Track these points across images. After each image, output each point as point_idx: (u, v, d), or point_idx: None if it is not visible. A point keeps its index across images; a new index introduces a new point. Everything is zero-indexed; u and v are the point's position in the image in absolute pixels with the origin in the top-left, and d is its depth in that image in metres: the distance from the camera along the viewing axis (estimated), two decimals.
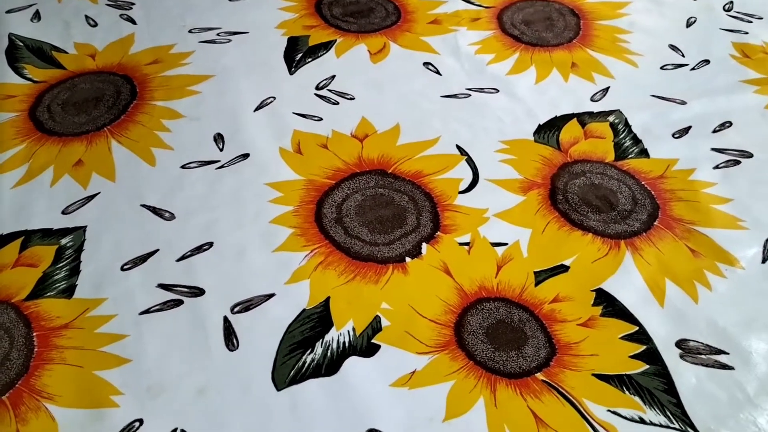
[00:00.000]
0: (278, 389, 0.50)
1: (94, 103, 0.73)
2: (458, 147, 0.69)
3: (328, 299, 0.55)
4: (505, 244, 0.60)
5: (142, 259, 0.57)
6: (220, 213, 0.62)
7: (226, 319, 0.54)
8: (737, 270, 0.58)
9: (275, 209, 0.62)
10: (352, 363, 0.51)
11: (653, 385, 0.51)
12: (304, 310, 0.54)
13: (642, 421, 0.49)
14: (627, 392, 0.50)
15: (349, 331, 0.53)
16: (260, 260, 0.58)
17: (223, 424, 0.48)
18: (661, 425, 0.48)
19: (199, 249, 0.59)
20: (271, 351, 0.52)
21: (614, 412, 0.49)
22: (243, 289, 0.56)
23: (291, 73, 0.78)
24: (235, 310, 0.54)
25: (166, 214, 0.62)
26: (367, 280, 0.57)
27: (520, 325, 0.54)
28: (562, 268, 0.58)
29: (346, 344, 0.52)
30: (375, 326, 0.54)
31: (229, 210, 0.62)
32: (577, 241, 0.60)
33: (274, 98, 0.74)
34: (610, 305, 0.55)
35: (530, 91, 0.76)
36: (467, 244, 0.60)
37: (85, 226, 0.60)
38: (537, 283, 0.57)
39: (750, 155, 0.69)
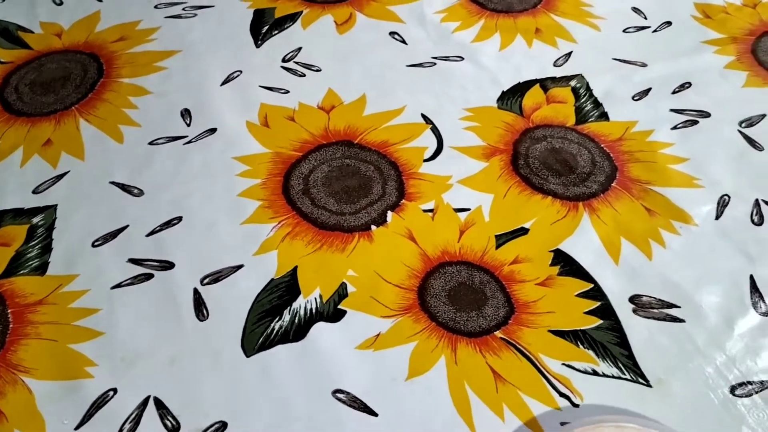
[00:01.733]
0: (247, 356, 0.51)
1: (62, 82, 0.74)
2: (423, 116, 0.70)
3: (295, 269, 0.57)
4: (468, 209, 0.62)
5: (113, 235, 0.59)
6: (188, 188, 0.63)
7: (196, 291, 0.55)
8: (691, 227, 0.60)
9: (243, 182, 0.63)
10: (319, 328, 0.53)
11: (606, 338, 0.53)
12: (272, 279, 0.56)
13: (595, 373, 0.51)
14: (581, 346, 0.52)
15: (316, 299, 0.55)
16: (229, 233, 0.59)
17: (195, 390, 0.50)
18: (613, 376, 0.51)
19: (168, 224, 0.60)
20: (240, 320, 0.54)
21: (569, 366, 0.51)
22: (212, 262, 0.57)
23: (257, 46, 0.78)
24: (205, 281, 0.56)
25: (135, 191, 0.63)
26: (334, 248, 0.58)
27: (481, 287, 0.56)
28: (522, 231, 0.60)
29: (313, 311, 0.54)
30: (341, 293, 0.55)
31: (197, 184, 0.63)
32: (537, 205, 0.62)
33: (241, 72, 0.74)
34: (567, 265, 0.58)
35: (495, 58, 0.77)
36: (431, 210, 0.62)
37: (56, 205, 0.61)
38: (498, 246, 0.59)
39: (708, 115, 0.70)
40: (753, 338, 0.53)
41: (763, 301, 0.55)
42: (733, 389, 0.50)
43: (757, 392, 0.50)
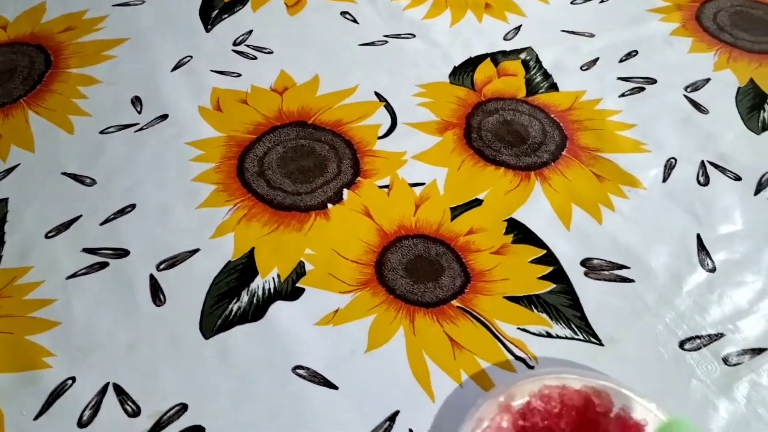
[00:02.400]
0: (206, 338, 0.52)
1: (8, 75, 0.72)
2: (377, 94, 0.71)
3: (252, 250, 0.57)
4: (423, 183, 0.62)
5: (66, 225, 0.58)
6: (141, 175, 0.63)
7: (152, 277, 0.55)
8: (639, 191, 0.62)
9: (197, 167, 0.63)
10: (278, 307, 0.54)
11: (559, 302, 0.54)
12: (229, 262, 0.56)
13: (549, 335, 0.52)
14: (535, 310, 0.54)
15: (273, 278, 0.55)
16: (184, 218, 0.59)
17: (154, 375, 0.50)
18: (566, 337, 0.52)
19: (122, 212, 0.59)
20: (197, 303, 0.54)
21: (523, 329, 0.52)
22: (168, 247, 0.57)
23: (207, 30, 0.78)
24: (161, 267, 0.56)
25: (88, 180, 0.62)
26: (291, 228, 0.59)
27: (437, 258, 0.57)
28: (476, 202, 0.61)
29: (271, 290, 0.54)
30: (299, 271, 0.56)
31: (150, 171, 0.63)
32: (491, 176, 0.63)
33: (191, 57, 0.74)
34: (520, 233, 0.59)
35: (446, 34, 0.78)
36: (387, 186, 0.62)
37: (7, 198, 0.60)
38: (453, 218, 0.60)
39: (654, 81, 0.72)
40: (701, 294, 0.55)
41: (710, 258, 0.57)
42: (682, 344, 0.52)
43: (705, 345, 0.52)
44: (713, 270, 0.56)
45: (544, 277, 0.56)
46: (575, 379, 0.33)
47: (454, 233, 0.59)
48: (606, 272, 0.56)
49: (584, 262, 0.57)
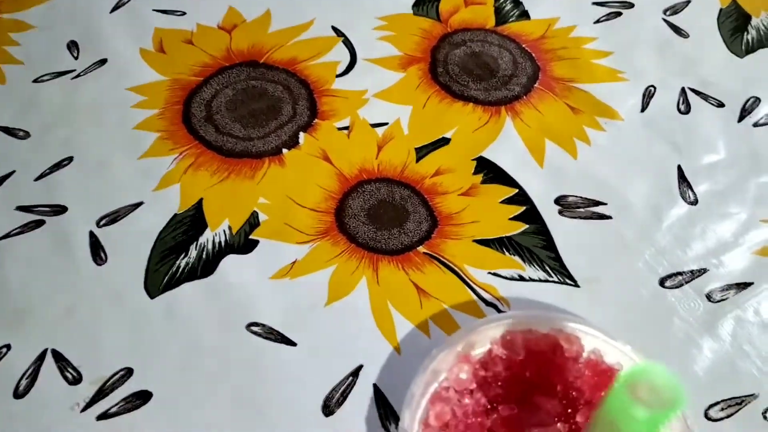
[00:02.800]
0: (152, 297, 0.48)
1: None
2: (334, 28, 0.65)
3: (200, 201, 0.53)
4: (386, 123, 0.58)
5: None
6: (79, 125, 0.58)
7: (92, 234, 0.51)
8: (616, 122, 0.58)
9: (139, 114, 0.58)
10: (230, 261, 0.50)
11: (532, 243, 0.51)
12: (175, 215, 0.52)
13: (521, 278, 0.49)
14: (507, 253, 0.50)
15: (225, 231, 0.51)
16: (125, 170, 0.55)
17: (96, 339, 0.46)
18: (540, 280, 0.49)
19: (58, 165, 0.55)
20: (142, 260, 0.49)
21: (495, 274, 0.49)
22: (108, 202, 0.53)
23: None
24: (101, 223, 0.51)
25: (21, 133, 0.57)
26: (243, 176, 0.54)
27: (402, 203, 0.53)
28: (443, 141, 0.57)
29: (222, 244, 0.50)
30: (252, 222, 0.52)
31: (88, 121, 0.58)
32: (458, 113, 0.59)
33: None
34: (490, 172, 0.55)
35: None
36: (346, 128, 0.58)
37: None
38: (418, 159, 0.55)
39: (631, 5, 0.67)
40: (682, 228, 0.52)
41: (691, 189, 0.54)
42: (662, 281, 0.49)
43: (687, 282, 0.49)
44: (695, 202, 0.53)
45: (516, 218, 0.52)
46: (542, 323, 0.30)
47: (419, 175, 0.55)
48: (582, 210, 0.53)
49: (558, 200, 0.53)
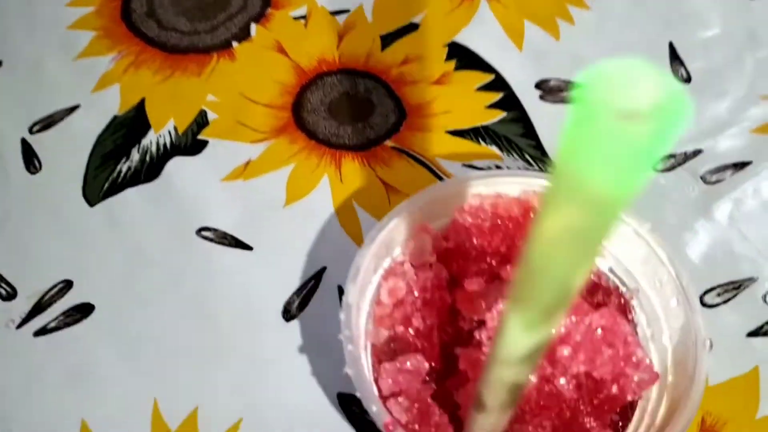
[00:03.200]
0: (91, 205, 0.43)
1: None
2: None
3: (142, 101, 0.47)
4: (347, 11, 0.52)
5: None
6: (7, 25, 0.52)
7: (24, 141, 0.46)
8: None
9: (73, 12, 0.52)
10: (176, 163, 0.45)
11: (511, 131, 0.46)
12: (115, 117, 0.47)
13: (499, 168, 0.44)
14: (483, 143, 0.45)
15: (170, 131, 0.46)
16: (59, 71, 0.49)
17: (31, 251, 0.42)
18: (519, 169, 0.44)
19: None
20: (80, 167, 0.45)
21: (470, 166, 0.45)
22: (41, 106, 0.47)
23: None
24: (34, 129, 0.46)
25: None
26: (189, 73, 0.49)
27: (366, 95, 0.48)
28: (412, 27, 0.51)
29: (167, 145, 0.45)
30: (200, 121, 0.47)
31: (17, 21, 0.52)
32: None
33: None
34: (464, 58, 0.49)
35: None
36: (303, 17, 0.52)
37: None
38: (383, 48, 0.50)
39: None
40: None
41: (684, 67, 0.49)
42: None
43: (680, 164, 0.45)
44: (688, 80, 0.48)
45: (493, 105, 0.47)
46: (512, 184, 0.25)
47: (385, 65, 0.49)
48: (565, 93, 0.48)
49: (540, 85, 0.48)
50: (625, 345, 0.20)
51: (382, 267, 0.25)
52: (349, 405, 0.37)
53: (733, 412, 0.37)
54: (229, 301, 0.40)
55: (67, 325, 0.39)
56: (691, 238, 0.42)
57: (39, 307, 0.40)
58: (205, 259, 0.41)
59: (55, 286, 0.40)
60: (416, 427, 0.21)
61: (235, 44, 0.50)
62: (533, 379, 0.14)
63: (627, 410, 0.22)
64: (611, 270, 0.25)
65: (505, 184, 0.25)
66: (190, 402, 0.37)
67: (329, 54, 0.50)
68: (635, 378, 0.20)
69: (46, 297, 0.40)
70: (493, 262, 0.24)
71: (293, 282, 0.41)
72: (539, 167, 0.45)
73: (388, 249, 0.25)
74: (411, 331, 0.23)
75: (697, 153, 0.45)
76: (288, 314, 0.39)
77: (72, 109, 0.47)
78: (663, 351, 0.23)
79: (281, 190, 0.44)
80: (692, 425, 0.36)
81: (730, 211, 0.43)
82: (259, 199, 0.44)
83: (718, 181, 0.44)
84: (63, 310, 0.39)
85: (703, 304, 0.40)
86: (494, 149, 0.46)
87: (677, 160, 0.45)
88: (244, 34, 0.51)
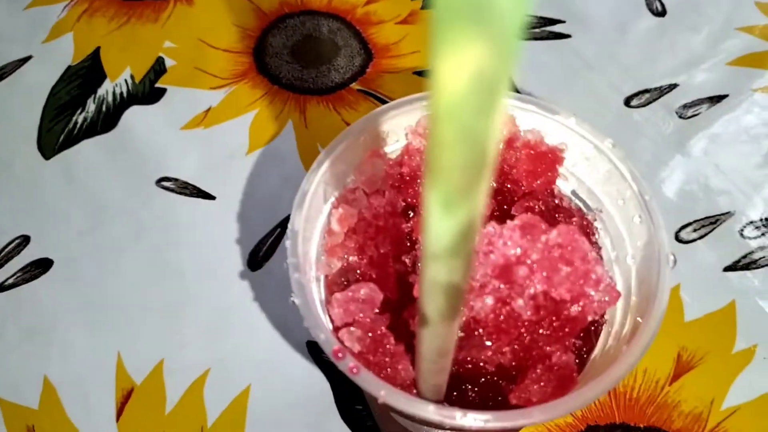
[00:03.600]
0: (47, 158, 0.41)
1: None
2: None
3: (97, 50, 0.45)
4: None
5: None
6: None
7: None
8: None
9: None
10: (134, 113, 0.43)
11: None
12: (69, 67, 0.45)
13: None
14: None
15: (126, 80, 0.44)
16: (9, 22, 0.47)
17: None
18: None
19: None
20: (34, 119, 0.43)
21: None
22: None
23: None
24: None
25: None
26: (145, 19, 0.47)
27: (330, 36, 0.46)
28: None
29: (124, 94, 0.43)
30: (158, 69, 0.45)
31: None
32: None
33: None
34: None
35: None
36: None
37: None
38: None
39: None
40: (649, 43, 0.46)
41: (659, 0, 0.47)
42: (628, 101, 0.43)
43: (655, 99, 0.43)
44: (663, 13, 0.47)
45: None
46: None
47: (350, 4, 0.47)
48: (537, 30, 0.46)
49: None
50: (584, 262, 0.19)
51: (333, 195, 0.24)
52: (320, 352, 0.36)
53: (710, 346, 0.36)
54: (192, 252, 0.39)
55: (26, 281, 0.38)
56: (667, 174, 0.41)
57: None
58: (166, 210, 0.40)
59: (11, 242, 0.39)
60: (370, 357, 0.20)
61: None
62: (470, 282, 0.13)
63: (591, 335, 0.21)
64: (574, 192, 0.24)
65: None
66: (155, 355, 0.36)
67: None
68: (596, 297, 0.19)
69: (3, 253, 0.38)
70: None
71: (258, 231, 0.39)
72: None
73: (339, 176, 0.24)
74: (364, 260, 0.22)
75: (672, 87, 0.44)
76: (254, 263, 0.38)
77: (23, 61, 0.45)
78: (627, 272, 0.22)
79: (244, 137, 0.42)
80: (667, 361, 0.35)
81: (706, 145, 0.42)
82: (221, 147, 0.42)
83: (693, 116, 0.43)
84: (21, 266, 0.38)
85: (679, 240, 0.39)
86: None
87: (652, 95, 0.44)
88: None
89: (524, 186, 0.23)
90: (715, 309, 0.37)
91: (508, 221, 0.20)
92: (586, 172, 0.24)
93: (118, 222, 0.40)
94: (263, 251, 0.39)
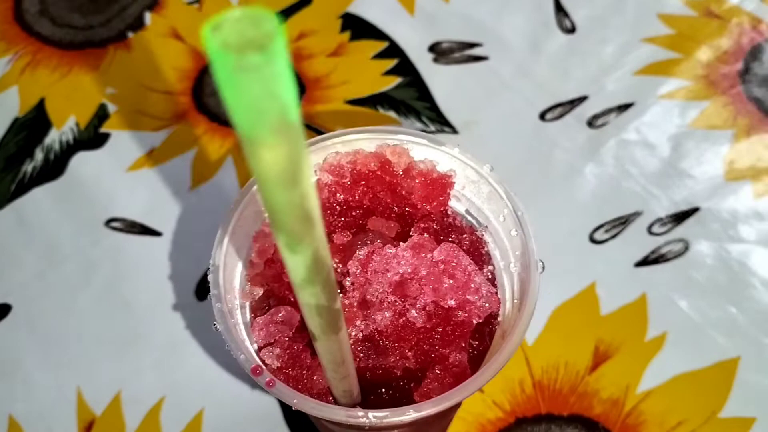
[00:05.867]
0: (0, 207, 0.43)
1: None
2: None
3: (42, 100, 0.47)
4: None
5: None
6: None
7: None
8: None
9: None
10: (80, 158, 0.45)
11: (408, 95, 0.48)
12: (16, 119, 0.47)
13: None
14: (381, 110, 0.47)
15: (72, 128, 0.46)
16: None
17: None
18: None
19: None
20: None
21: None
22: None
23: None
24: None
25: None
26: (86, 68, 0.49)
27: None
28: (305, 2, 0.52)
29: (70, 141, 0.46)
30: (101, 114, 0.47)
31: None
32: None
33: None
34: (358, 28, 0.51)
35: None
36: (197, 1, 0.52)
37: None
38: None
39: None
40: (560, 59, 0.49)
41: (567, 17, 0.51)
42: (542, 115, 0.47)
43: (567, 112, 0.47)
44: (572, 30, 0.50)
45: (389, 72, 0.49)
46: (367, 140, 0.27)
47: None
48: (457, 54, 0.49)
49: (433, 48, 0.50)
50: (465, 274, 0.22)
51: (253, 229, 0.26)
52: None
53: (624, 336, 0.39)
54: (142, 287, 0.41)
55: None
56: (581, 181, 0.44)
57: None
58: (116, 248, 0.42)
59: None
60: (289, 371, 0.22)
61: (130, 34, 0.51)
62: (332, 302, 0.15)
63: (485, 336, 0.24)
64: (467, 211, 0.27)
65: (362, 140, 0.27)
66: (113, 386, 0.38)
67: None
68: (478, 303, 0.22)
69: None
70: (359, 216, 0.26)
71: (204, 262, 0.42)
72: (436, 127, 0.46)
73: (258, 213, 0.26)
74: (283, 286, 0.25)
75: (583, 99, 0.48)
76: (201, 294, 0.41)
77: None
78: (512, 278, 0.25)
79: (187, 174, 0.45)
80: (586, 352, 0.38)
81: (615, 151, 0.45)
82: (165, 185, 0.44)
83: (603, 125, 0.46)
84: None
85: (593, 240, 0.42)
86: (392, 114, 0.47)
87: (564, 109, 0.47)
88: (138, 24, 0.51)
89: (421, 209, 0.26)
90: (628, 302, 0.40)
91: (401, 243, 0.23)
92: (474, 193, 0.27)
93: (70, 263, 0.42)
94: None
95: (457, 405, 0.32)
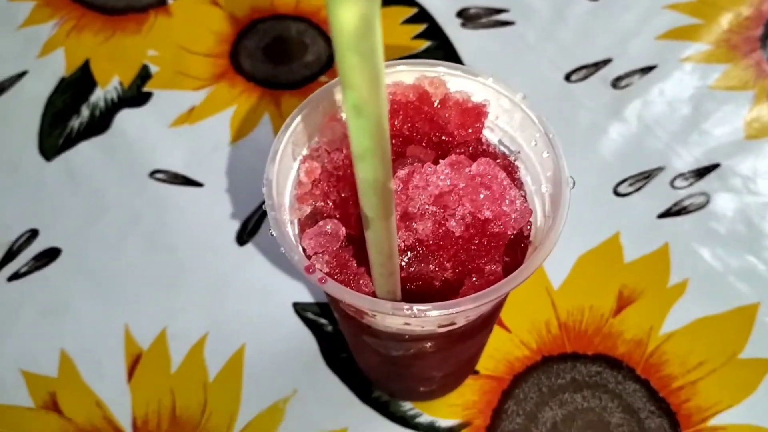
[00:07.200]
0: (48, 160, 0.46)
1: None
2: None
3: (87, 62, 0.50)
4: None
5: None
6: None
7: None
8: None
9: None
10: (124, 115, 0.48)
11: (436, 58, 0.49)
12: (62, 78, 0.49)
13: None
14: None
15: (116, 87, 0.49)
16: (5, 41, 0.51)
17: None
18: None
19: None
20: (34, 126, 0.47)
21: None
22: None
23: None
24: None
25: None
26: (128, 32, 0.51)
27: (299, 37, 0.51)
28: None
29: (114, 99, 0.48)
30: (144, 75, 0.49)
31: None
32: None
33: None
34: None
35: None
36: None
37: None
38: None
39: None
40: (585, 24, 0.51)
41: None
42: (568, 77, 0.48)
43: (592, 74, 0.48)
44: None
45: (418, 36, 0.51)
46: (407, 72, 0.29)
47: (314, 7, 0.52)
48: (484, 20, 0.51)
49: (460, 13, 0.52)
50: (501, 187, 0.24)
51: (300, 154, 0.28)
52: (305, 312, 0.40)
53: (648, 283, 0.41)
54: (185, 233, 0.43)
55: (38, 268, 0.42)
56: (604, 138, 0.46)
57: (10, 255, 0.42)
58: (160, 198, 0.44)
59: (22, 235, 0.43)
60: (336, 277, 0.24)
61: (170, 1, 0.53)
62: (388, 180, 0.17)
63: (517, 253, 0.26)
64: (500, 141, 0.29)
65: (401, 73, 0.29)
66: (159, 323, 0.40)
67: (261, 1, 0.53)
68: (512, 215, 0.24)
69: (16, 245, 0.43)
70: (398, 144, 0.28)
71: (243, 211, 0.44)
72: None
73: (305, 138, 0.28)
74: (329, 203, 0.26)
75: (607, 62, 0.49)
76: (241, 240, 0.43)
77: (21, 75, 0.50)
78: (543, 200, 0.26)
79: (225, 131, 0.47)
80: (610, 297, 0.40)
81: (638, 111, 0.47)
82: (206, 141, 0.47)
83: (627, 86, 0.48)
84: (32, 256, 0.42)
85: (617, 193, 0.44)
86: None
87: (589, 71, 0.49)
88: None
89: (457, 137, 0.28)
90: (651, 251, 0.42)
91: (440, 161, 0.25)
92: (506, 122, 0.29)
93: (116, 210, 0.44)
94: (249, 229, 0.43)
95: (488, 331, 0.33)
